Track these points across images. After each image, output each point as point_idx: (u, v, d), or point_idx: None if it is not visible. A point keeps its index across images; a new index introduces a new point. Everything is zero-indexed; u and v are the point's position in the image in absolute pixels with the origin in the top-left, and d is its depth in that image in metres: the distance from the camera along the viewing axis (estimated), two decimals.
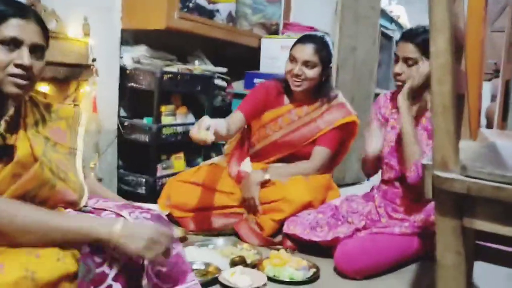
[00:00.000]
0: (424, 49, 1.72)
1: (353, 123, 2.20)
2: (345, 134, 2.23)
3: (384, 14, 3.62)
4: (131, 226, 1.00)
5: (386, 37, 3.81)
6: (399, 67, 1.78)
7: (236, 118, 2.14)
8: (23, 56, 1.02)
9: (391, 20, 3.99)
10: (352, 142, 2.30)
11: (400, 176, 1.89)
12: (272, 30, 3.45)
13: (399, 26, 4.32)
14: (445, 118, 0.84)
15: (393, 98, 1.95)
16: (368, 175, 2.11)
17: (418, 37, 1.74)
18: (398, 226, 1.82)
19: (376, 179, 2.13)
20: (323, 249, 1.84)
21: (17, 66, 1.02)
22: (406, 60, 1.76)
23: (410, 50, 1.75)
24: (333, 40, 3.16)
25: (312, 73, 2.10)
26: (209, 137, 1.71)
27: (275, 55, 3.04)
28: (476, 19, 1.68)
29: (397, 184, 1.92)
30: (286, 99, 2.25)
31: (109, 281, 0.97)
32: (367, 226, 1.88)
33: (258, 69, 3.13)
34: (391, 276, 1.76)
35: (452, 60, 0.85)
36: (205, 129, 1.73)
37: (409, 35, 1.78)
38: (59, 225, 0.95)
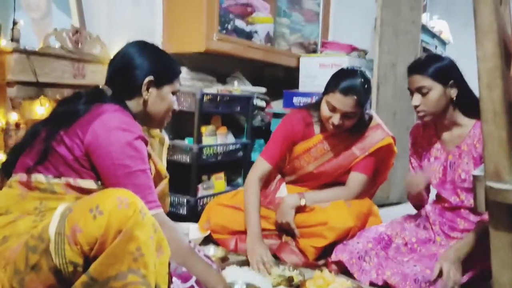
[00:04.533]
0: (434, 77, 1.72)
1: (389, 144, 2.10)
2: (383, 156, 2.14)
3: (425, 29, 3.54)
4: None
5: (428, 52, 3.74)
6: (416, 99, 1.77)
7: (265, 169, 2.07)
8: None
9: (433, 35, 3.91)
10: (392, 160, 2.21)
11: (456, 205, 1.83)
12: (311, 49, 3.45)
13: (441, 41, 4.23)
14: (497, 125, 0.80)
15: (426, 126, 1.93)
16: (417, 208, 2.02)
17: (424, 69, 1.73)
18: None
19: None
20: None
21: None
22: (419, 90, 1.75)
23: (419, 80, 1.74)
24: (373, 57, 3.12)
25: (352, 122, 1.98)
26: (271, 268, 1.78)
27: (314, 74, 3.03)
28: None
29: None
30: (316, 129, 2.13)
31: (192, 281, 1.28)
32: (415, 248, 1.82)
33: (297, 88, 3.13)
34: None
35: (502, 63, 0.80)
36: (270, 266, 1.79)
37: (414, 69, 1.77)
38: (198, 271, 1.31)
